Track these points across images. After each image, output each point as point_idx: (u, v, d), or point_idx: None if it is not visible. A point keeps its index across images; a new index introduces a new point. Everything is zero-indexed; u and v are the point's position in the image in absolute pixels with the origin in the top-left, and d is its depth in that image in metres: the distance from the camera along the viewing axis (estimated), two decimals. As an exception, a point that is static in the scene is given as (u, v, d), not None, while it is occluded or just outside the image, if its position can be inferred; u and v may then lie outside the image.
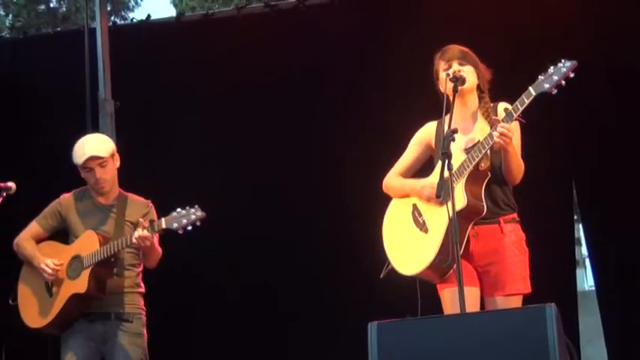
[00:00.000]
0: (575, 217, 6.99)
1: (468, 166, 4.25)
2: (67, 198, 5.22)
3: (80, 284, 4.91)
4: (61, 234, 5.20)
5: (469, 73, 4.43)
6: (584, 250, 7.15)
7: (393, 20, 6.96)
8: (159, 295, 5.34)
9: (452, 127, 4.19)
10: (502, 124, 4.15)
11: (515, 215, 4.42)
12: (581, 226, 7.08)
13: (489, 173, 4.30)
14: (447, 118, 4.30)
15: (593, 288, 6.97)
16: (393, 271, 4.45)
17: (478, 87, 4.49)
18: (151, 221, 4.83)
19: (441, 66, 4.48)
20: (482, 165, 4.27)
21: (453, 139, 4.20)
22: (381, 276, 4.49)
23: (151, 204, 5.14)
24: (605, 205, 6.62)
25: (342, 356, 4.69)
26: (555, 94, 4.11)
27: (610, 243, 6.60)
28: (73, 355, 4.96)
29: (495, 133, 4.15)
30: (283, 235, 7.02)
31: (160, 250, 5.02)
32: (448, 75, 4.34)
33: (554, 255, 6.44)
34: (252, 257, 7.07)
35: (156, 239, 4.97)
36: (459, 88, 4.32)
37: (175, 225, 4.77)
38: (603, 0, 6.46)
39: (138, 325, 5.04)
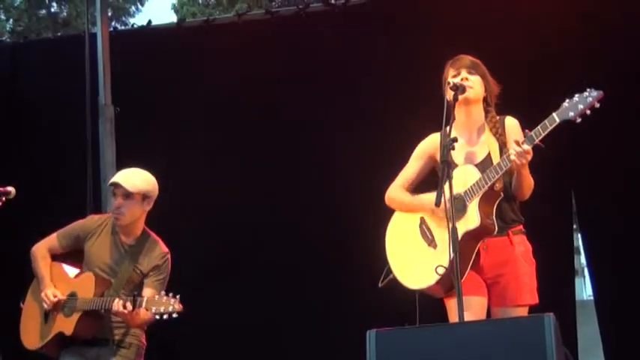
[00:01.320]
0: (575, 226, 6.98)
1: (483, 186, 4.24)
2: (92, 222, 5.19)
3: (69, 325, 4.93)
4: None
5: (476, 84, 4.44)
6: (583, 259, 7.13)
7: (394, 28, 6.97)
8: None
9: (452, 136, 4.20)
10: (523, 146, 4.13)
11: (521, 227, 4.43)
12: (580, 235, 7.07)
13: (502, 193, 4.31)
14: (450, 125, 4.30)
15: (592, 297, 6.95)
16: (392, 281, 4.45)
17: (485, 100, 4.49)
18: (134, 296, 4.75)
19: (450, 73, 4.48)
20: (497, 186, 4.28)
21: (453, 148, 4.20)
22: (380, 285, 4.49)
23: (169, 256, 5.03)
24: (604, 215, 6.61)
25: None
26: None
27: (609, 252, 6.59)
28: None
29: (512, 152, 4.14)
30: (281, 242, 7.02)
31: (146, 317, 4.86)
32: (449, 83, 4.34)
33: (553, 264, 6.42)
34: (250, 263, 7.07)
35: (152, 293, 4.86)
36: (460, 96, 4.32)
37: (154, 309, 4.71)
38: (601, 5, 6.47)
39: (133, 352, 5.03)
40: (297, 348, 6.86)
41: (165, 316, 4.70)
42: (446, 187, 4.11)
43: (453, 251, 4.02)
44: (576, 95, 4.16)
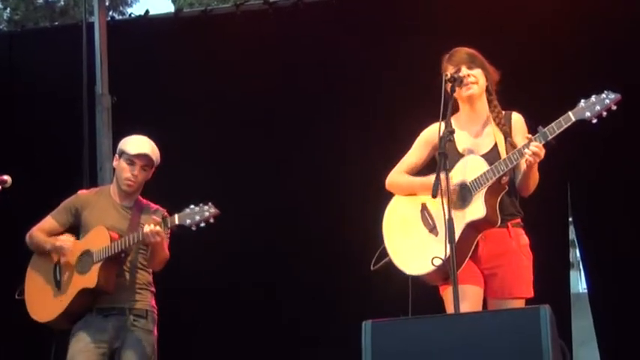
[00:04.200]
0: (570, 219, 7.00)
1: (491, 178, 4.23)
2: (84, 194, 5.26)
3: (90, 279, 4.92)
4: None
5: (479, 77, 4.43)
6: (578, 252, 7.15)
7: (394, 19, 6.96)
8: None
9: (450, 128, 4.21)
10: (535, 143, 4.13)
11: (520, 220, 4.43)
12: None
13: (507, 187, 4.31)
14: (450, 118, 4.30)
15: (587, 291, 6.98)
16: (387, 264, 4.44)
17: (487, 89, 4.49)
18: (164, 217, 4.82)
19: (449, 70, 4.44)
20: (504, 179, 4.28)
21: (450, 140, 4.21)
22: (373, 267, 4.48)
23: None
24: (600, 208, 6.63)
25: (336, 355, 4.69)
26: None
27: (603, 246, 6.61)
28: (79, 347, 4.95)
29: (527, 151, 4.13)
30: (281, 235, 7.03)
31: (167, 252, 4.99)
32: (446, 75, 4.34)
33: (548, 257, 6.44)
34: (248, 258, 7.07)
35: (165, 241, 4.96)
36: (465, 93, 4.35)
37: (188, 221, 4.75)
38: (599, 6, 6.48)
39: (150, 322, 5.05)
40: (292, 338, 6.86)
41: (202, 224, 4.75)
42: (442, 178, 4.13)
43: (449, 242, 4.02)
44: (593, 96, 4.14)
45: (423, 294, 4.38)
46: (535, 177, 4.30)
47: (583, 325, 6.92)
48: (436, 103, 4.24)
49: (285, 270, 7.01)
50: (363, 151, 6.73)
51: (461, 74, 4.38)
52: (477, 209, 4.20)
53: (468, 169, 4.26)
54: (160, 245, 4.88)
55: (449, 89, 4.32)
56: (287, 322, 7.00)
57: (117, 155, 5.14)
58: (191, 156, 7.13)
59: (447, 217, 4.08)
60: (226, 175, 7.12)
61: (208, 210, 4.77)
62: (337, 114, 6.99)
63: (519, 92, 5.24)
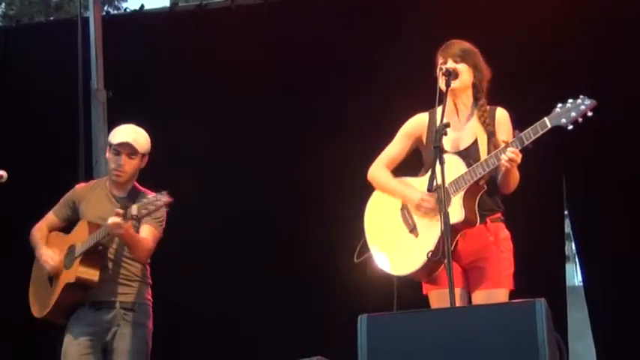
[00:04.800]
0: (566, 212, 7.01)
1: (469, 181, 4.26)
2: (82, 187, 5.29)
3: (71, 274, 4.95)
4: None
5: (463, 72, 4.44)
6: (574, 245, 7.17)
7: (389, 12, 6.95)
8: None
9: (445, 122, 4.21)
10: (512, 149, 4.15)
11: (500, 214, 4.44)
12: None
13: (485, 187, 4.33)
14: (439, 111, 4.31)
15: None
16: (369, 258, 4.47)
17: (474, 86, 4.49)
18: (125, 208, 4.79)
19: (439, 61, 4.48)
20: (482, 181, 4.30)
21: (445, 133, 4.22)
22: (356, 260, 4.51)
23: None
24: (595, 201, 6.63)
25: (332, 349, 4.69)
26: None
27: (599, 239, 6.62)
28: (72, 342, 4.98)
29: (504, 157, 4.15)
30: (275, 228, 7.04)
31: (145, 241, 4.98)
32: (441, 69, 4.35)
33: (544, 250, 6.47)
34: (244, 249, 7.08)
35: (152, 232, 4.97)
36: (452, 82, 4.34)
37: (144, 211, 4.73)
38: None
39: (142, 315, 5.05)
40: (288, 332, 6.87)
41: (158, 214, 4.80)
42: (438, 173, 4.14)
43: (445, 236, 4.04)
44: (569, 101, 4.15)
45: (407, 291, 4.40)
46: (515, 177, 4.31)
47: (579, 318, 6.93)
48: (428, 95, 4.26)
49: (281, 264, 7.02)
50: (359, 142, 6.71)
51: (447, 66, 4.39)
52: (455, 213, 4.22)
53: (446, 170, 4.25)
54: (126, 237, 4.86)
55: (444, 83, 4.32)
56: (281, 316, 7.01)
57: (107, 146, 5.16)
58: (186, 150, 7.13)
59: (443, 210, 4.09)
60: (223, 167, 7.11)
61: (160, 199, 4.72)
62: (334, 109, 6.99)
63: (518, 92, 5.25)
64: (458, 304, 4.24)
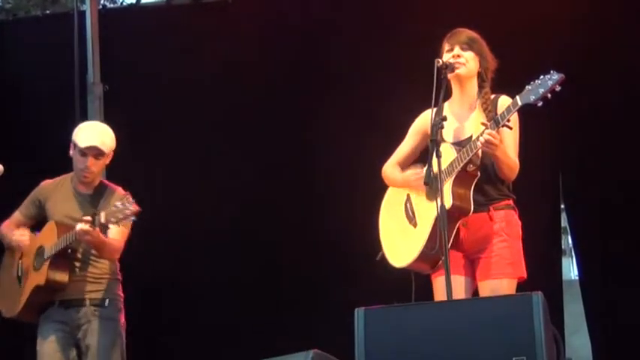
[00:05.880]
0: (562, 206, 7.01)
1: (456, 167, 4.27)
2: (47, 184, 5.25)
3: (40, 276, 4.95)
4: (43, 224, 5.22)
5: (469, 60, 4.44)
6: (570, 239, 7.19)
7: (387, 5, 6.94)
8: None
9: (443, 115, 4.22)
10: (488, 130, 4.15)
11: (510, 202, 4.43)
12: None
13: (479, 173, 4.32)
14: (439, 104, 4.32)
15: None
16: (384, 257, 4.52)
17: (479, 75, 4.49)
18: (94, 215, 4.78)
19: (445, 48, 4.49)
20: (471, 167, 4.29)
21: (442, 127, 4.22)
22: (378, 258, 4.55)
23: (129, 195, 4.99)
24: (591, 196, 6.64)
25: (329, 342, 4.69)
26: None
27: (594, 233, 6.63)
28: (45, 341, 5.00)
29: (481, 139, 4.16)
30: (273, 222, 7.03)
31: (114, 242, 4.97)
32: (438, 62, 4.35)
33: (540, 244, 6.47)
34: (240, 242, 7.08)
35: (121, 232, 4.95)
36: (449, 75, 4.34)
37: (113, 220, 4.73)
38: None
39: (112, 310, 5.05)
40: (286, 326, 6.87)
41: (125, 221, 4.75)
42: (434, 166, 4.15)
43: (440, 228, 4.05)
44: (540, 77, 4.14)
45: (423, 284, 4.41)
46: (508, 163, 4.29)
47: (575, 312, 6.94)
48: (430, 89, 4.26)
49: (279, 254, 7.02)
50: (359, 138, 6.70)
51: (452, 54, 4.39)
52: (445, 200, 4.20)
53: (443, 159, 4.24)
54: (95, 242, 4.85)
55: (441, 76, 4.33)
56: (279, 309, 7.00)
57: (72, 144, 5.11)
58: (182, 142, 7.12)
59: (439, 204, 4.10)
60: (219, 162, 7.10)
61: (129, 208, 4.71)
62: (330, 104, 6.96)
63: (514, 90, 5.22)
64: (462, 292, 4.29)
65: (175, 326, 7.13)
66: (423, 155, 4.57)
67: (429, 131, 4.46)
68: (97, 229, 4.78)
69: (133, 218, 4.74)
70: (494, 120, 4.18)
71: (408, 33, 6.62)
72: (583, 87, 6.27)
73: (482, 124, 4.22)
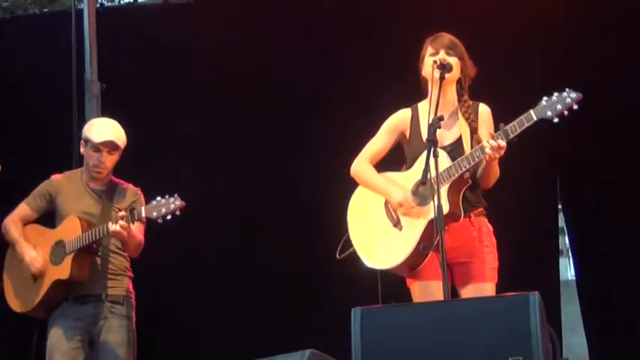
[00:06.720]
0: (560, 206, 7.02)
1: (454, 174, 4.27)
2: (57, 179, 5.22)
3: (63, 270, 4.93)
4: (47, 217, 5.20)
5: (454, 65, 4.44)
6: (567, 239, 7.19)
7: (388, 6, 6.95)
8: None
9: (440, 114, 4.22)
10: (499, 141, 4.16)
11: (482, 209, 4.47)
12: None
13: (470, 181, 4.34)
14: (421, 106, 4.32)
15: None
16: (352, 254, 4.49)
17: (459, 81, 4.49)
18: (132, 210, 4.81)
19: (428, 51, 4.48)
20: (466, 174, 4.30)
21: (439, 127, 4.22)
22: (339, 257, 4.52)
23: (140, 192, 5.12)
24: (588, 196, 6.64)
25: (326, 342, 4.69)
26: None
27: (591, 234, 6.63)
28: (58, 337, 4.97)
29: (488, 145, 4.16)
30: (269, 218, 7.03)
31: (140, 238, 5.01)
32: (435, 62, 4.34)
33: (538, 244, 6.48)
34: (239, 239, 7.08)
35: (140, 228, 4.98)
36: (447, 75, 4.34)
37: (155, 214, 4.77)
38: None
39: (127, 308, 5.07)
40: (282, 326, 6.87)
41: (169, 217, 4.75)
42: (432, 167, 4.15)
43: (437, 229, 4.05)
44: (555, 94, 4.16)
45: (390, 285, 4.42)
46: (495, 171, 4.34)
47: (572, 312, 6.95)
48: (411, 86, 4.25)
49: (274, 254, 7.02)
50: (351, 133, 6.69)
51: (439, 57, 4.40)
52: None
53: (432, 165, 4.23)
54: (128, 238, 4.88)
55: (437, 75, 4.32)
56: (276, 308, 7.01)
57: (82, 141, 5.12)
58: (180, 140, 7.11)
59: (436, 203, 4.10)
60: (220, 158, 7.09)
61: (174, 202, 4.75)
62: (327, 102, 6.97)
63: (518, 91, 5.24)
64: (440, 297, 4.27)
65: (173, 326, 7.13)
66: (393, 154, 4.57)
67: (407, 131, 4.51)
68: (141, 223, 4.86)
69: (177, 213, 4.74)
70: (504, 131, 4.17)
71: (392, 34, 6.62)
72: (580, 88, 6.28)
73: (490, 133, 4.23)
